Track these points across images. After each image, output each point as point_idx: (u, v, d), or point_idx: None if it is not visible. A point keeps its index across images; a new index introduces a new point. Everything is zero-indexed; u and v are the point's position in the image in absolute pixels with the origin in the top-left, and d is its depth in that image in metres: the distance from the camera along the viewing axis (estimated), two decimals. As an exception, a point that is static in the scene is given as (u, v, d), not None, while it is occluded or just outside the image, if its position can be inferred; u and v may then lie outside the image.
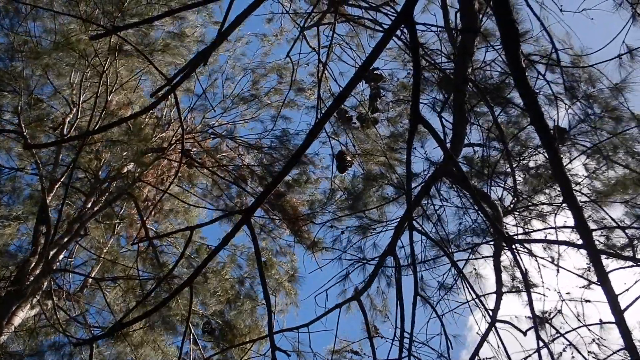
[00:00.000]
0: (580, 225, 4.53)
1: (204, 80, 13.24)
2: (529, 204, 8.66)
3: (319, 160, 12.63)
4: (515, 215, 8.66)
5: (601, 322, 6.63)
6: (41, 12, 10.75)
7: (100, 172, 11.90)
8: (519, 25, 4.24)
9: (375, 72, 10.12)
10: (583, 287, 7.69)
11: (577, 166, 8.45)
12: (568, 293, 8.07)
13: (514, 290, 8.44)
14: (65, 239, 10.12)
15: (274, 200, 12.57)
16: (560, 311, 7.72)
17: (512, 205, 8.49)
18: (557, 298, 7.82)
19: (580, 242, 5.02)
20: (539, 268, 8.13)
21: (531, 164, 8.53)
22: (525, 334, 6.39)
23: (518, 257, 5.59)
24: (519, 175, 8.46)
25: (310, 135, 4.66)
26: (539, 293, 7.74)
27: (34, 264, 9.47)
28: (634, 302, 4.76)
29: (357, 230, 9.33)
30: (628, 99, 7.44)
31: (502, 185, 8.26)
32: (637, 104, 7.48)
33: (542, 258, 8.06)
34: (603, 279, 4.50)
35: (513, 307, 8.41)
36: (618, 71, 7.21)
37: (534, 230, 8.44)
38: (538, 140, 7.11)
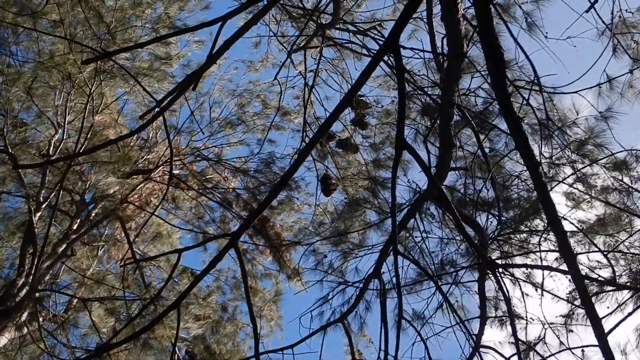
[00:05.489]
0: (565, 251, 4.56)
1: (191, 103, 13.30)
2: (514, 229, 8.69)
3: (304, 186, 12.67)
4: (500, 242, 8.68)
5: (584, 346, 6.66)
6: (23, 37, 10.70)
7: (85, 195, 11.83)
8: (504, 52, 4.30)
9: (361, 98, 10.20)
10: (569, 311, 7.74)
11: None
12: (561, 316, 8.11)
13: (499, 317, 8.46)
14: (51, 260, 10.05)
15: (258, 225, 12.57)
16: (542, 339, 7.74)
17: (497, 231, 8.51)
18: (543, 323, 7.86)
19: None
20: (522, 293, 8.18)
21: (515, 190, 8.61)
22: (508, 360, 6.33)
23: (501, 282, 5.62)
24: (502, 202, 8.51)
25: (296, 162, 4.68)
26: (523, 318, 7.76)
27: (20, 284, 9.39)
28: (617, 325, 4.80)
29: (340, 254, 9.39)
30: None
31: (488, 210, 8.30)
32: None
33: (528, 281, 8.10)
34: (587, 303, 4.53)
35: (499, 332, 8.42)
36: (596, 100, 7.37)
37: (520, 254, 8.47)
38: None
